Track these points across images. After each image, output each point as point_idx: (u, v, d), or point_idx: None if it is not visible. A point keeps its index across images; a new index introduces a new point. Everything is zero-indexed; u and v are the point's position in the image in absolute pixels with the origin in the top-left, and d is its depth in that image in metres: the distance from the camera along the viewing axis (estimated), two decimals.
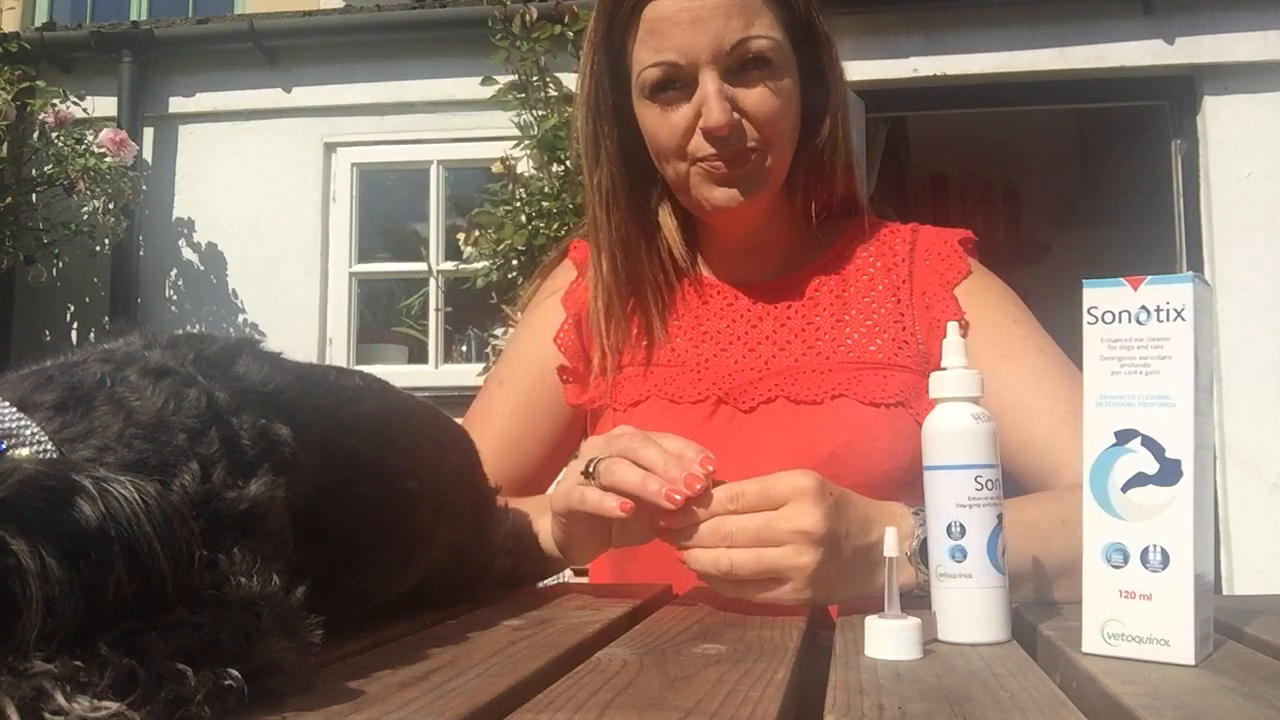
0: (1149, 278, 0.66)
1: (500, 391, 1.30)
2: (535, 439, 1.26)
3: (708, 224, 1.24)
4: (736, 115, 1.11)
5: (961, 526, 0.74)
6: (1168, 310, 0.65)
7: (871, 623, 0.68)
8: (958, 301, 1.19)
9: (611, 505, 0.87)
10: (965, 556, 0.73)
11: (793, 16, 1.14)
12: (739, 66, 1.11)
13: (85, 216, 4.49)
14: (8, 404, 0.56)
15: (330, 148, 5.06)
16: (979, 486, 0.74)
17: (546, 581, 1.12)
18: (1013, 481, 1.10)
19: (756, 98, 1.11)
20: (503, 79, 3.81)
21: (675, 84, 1.12)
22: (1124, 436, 0.66)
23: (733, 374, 1.19)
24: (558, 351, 1.27)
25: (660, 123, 1.14)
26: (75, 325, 5.11)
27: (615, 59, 1.16)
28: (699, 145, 1.13)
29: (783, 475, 0.85)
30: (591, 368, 1.27)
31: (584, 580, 1.35)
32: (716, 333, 1.23)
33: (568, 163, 3.65)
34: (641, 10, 1.12)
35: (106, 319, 4.92)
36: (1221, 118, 4.45)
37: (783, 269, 1.26)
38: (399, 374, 4.08)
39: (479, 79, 3.86)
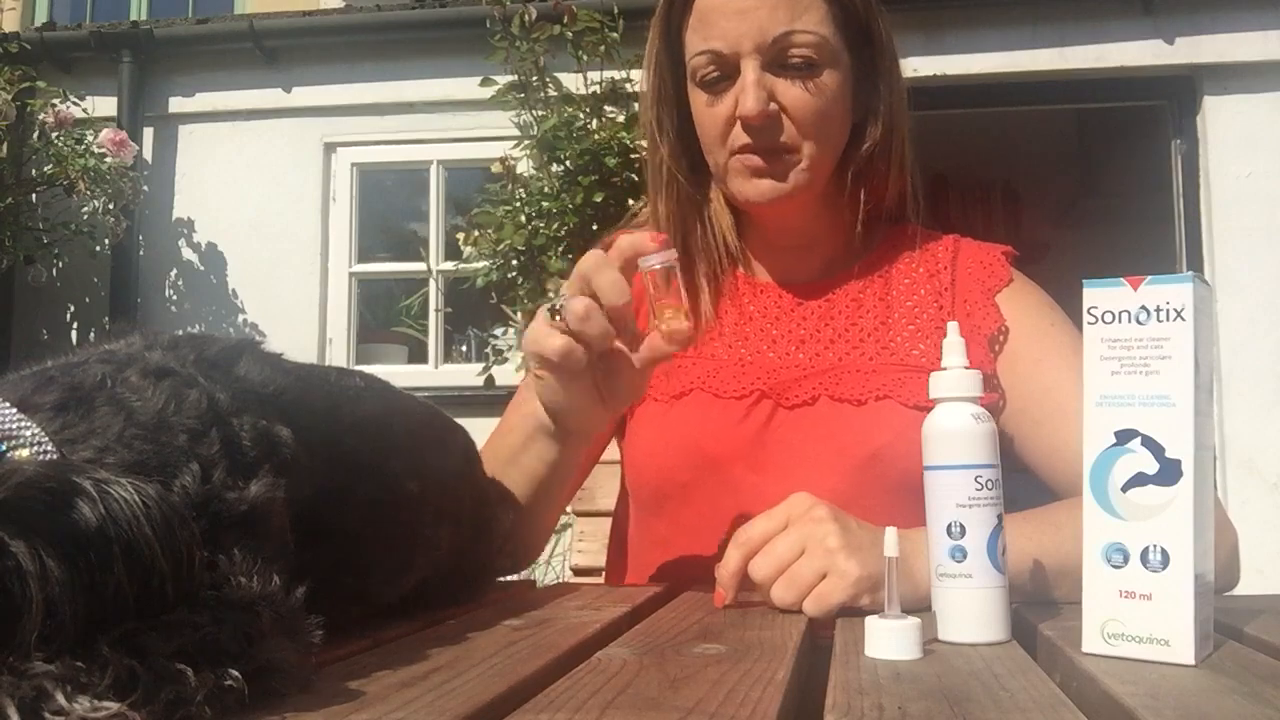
0: (1149, 278, 0.66)
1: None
2: None
3: (753, 220, 1.25)
4: (774, 107, 1.11)
5: (961, 526, 0.74)
6: (1168, 310, 0.65)
7: (871, 623, 0.68)
8: (999, 308, 1.19)
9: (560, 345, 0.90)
10: (965, 556, 0.73)
11: (848, 16, 1.14)
12: (782, 60, 1.11)
13: (85, 216, 4.50)
14: (8, 405, 0.56)
15: (330, 148, 5.06)
16: (979, 486, 0.74)
17: (546, 582, 1.12)
18: (1046, 490, 1.10)
19: (797, 92, 1.12)
20: (502, 79, 3.81)
21: (721, 73, 1.13)
22: (1124, 436, 0.66)
23: (777, 370, 1.19)
24: None
25: (706, 111, 1.15)
26: (75, 325, 5.10)
27: (673, 45, 1.19)
28: (738, 136, 1.13)
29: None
30: None
31: (586, 581, 1.35)
32: (761, 329, 1.23)
33: (567, 163, 3.65)
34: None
35: (106, 319, 4.92)
36: (1221, 118, 4.45)
37: (827, 270, 1.26)
38: (399, 374, 4.08)
39: (478, 79, 3.86)
